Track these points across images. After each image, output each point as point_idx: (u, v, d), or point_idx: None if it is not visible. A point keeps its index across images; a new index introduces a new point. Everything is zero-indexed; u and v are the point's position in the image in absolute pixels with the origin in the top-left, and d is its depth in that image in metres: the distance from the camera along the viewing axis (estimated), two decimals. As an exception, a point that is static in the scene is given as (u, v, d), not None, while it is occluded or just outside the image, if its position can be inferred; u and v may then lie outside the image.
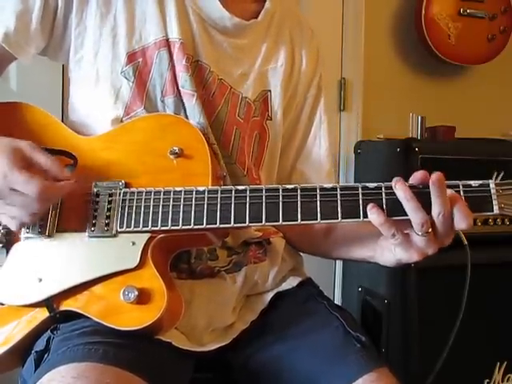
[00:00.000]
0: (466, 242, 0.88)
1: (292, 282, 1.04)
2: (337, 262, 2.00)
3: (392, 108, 2.09)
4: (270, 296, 1.00)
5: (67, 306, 0.83)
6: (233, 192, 0.82)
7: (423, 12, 2.03)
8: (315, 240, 1.05)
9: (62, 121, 1.00)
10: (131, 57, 0.94)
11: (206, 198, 0.82)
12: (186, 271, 0.93)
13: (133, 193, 0.85)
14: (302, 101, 1.09)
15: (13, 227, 0.82)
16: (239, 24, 0.99)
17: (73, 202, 0.85)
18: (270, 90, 1.03)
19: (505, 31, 2.10)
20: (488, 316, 1.64)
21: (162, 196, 0.83)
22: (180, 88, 0.94)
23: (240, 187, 0.82)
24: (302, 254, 1.14)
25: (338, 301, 1.96)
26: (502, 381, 1.70)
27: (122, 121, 0.93)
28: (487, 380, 1.69)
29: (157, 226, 0.82)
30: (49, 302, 0.83)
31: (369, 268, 1.76)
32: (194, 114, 0.94)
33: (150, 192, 0.84)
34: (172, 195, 0.83)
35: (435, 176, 0.77)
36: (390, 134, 1.82)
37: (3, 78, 1.58)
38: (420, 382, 1.20)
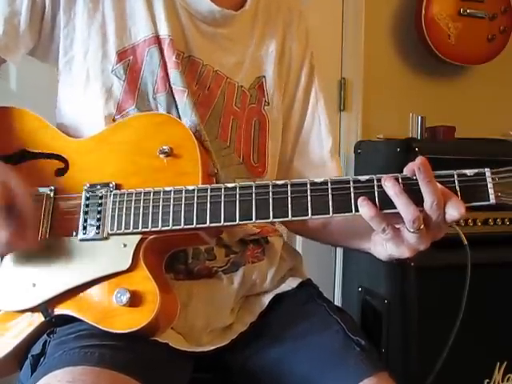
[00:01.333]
0: (466, 242, 0.88)
1: (291, 283, 1.03)
2: (337, 261, 2.01)
3: (392, 108, 2.09)
4: (268, 298, 1.00)
5: (62, 310, 0.83)
6: (222, 190, 0.81)
7: (423, 12, 2.03)
8: (314, 230, 1.05)
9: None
10: (121, 55, 0.93)
11: (195, 197, 0.81)
12: (184, 272, 0.93)
13: (123, 194, 0.84)
14: (295, 80, 1.08)
15: None
16: (228, 15, 0.99)
17: (64, 204, 0.85)
18: (264, 76, 1.03)
19: (505, 31, 2.10)
20: (488, 316, 1.64)
21: (151, 197, 0.82)
22: (172, 85, 0.93)
23: (230, 185, 0.81)
24: (301, 253, 1.14)
25: (338, 301, 1.97)
26: (502, 381, 1.70)
27: (114, 119, 0.92)
28: (487, 380, 1.69)
29: (147, 228, 0.81)
30: (43, 307, 0.83)
31: (369, 268, 1.77)
32: (186, 111, 0.93)
33: (140, 193, 0.83)
34: (162, 195, 0.82)
35: (418, 161, 0.74)
36: (389, 133, 1.82)
37: (3, 78, 1.58)
38: (420, 382, 1.20)
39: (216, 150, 0.96)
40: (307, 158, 1.08)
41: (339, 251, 2.00)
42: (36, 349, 0.83)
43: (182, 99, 0.93)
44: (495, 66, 2.14)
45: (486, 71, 2.19)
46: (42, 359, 0.81)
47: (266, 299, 1.00)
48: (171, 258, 0.89)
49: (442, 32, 2.05)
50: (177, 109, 0.94)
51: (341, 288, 1.99)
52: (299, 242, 1.90)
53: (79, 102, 0.95)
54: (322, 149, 1.08)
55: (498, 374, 1.69)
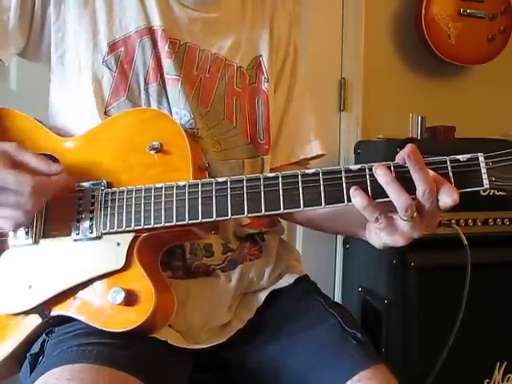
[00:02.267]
0: (465, 242, 0.87)
1: (288, 280, 1.04)
2: (337, 261, 2.01)
3: (392, 108, 2.09)
4: (265, 294, 1.00)
5: (58, 310, 0.83)
6: (213, 185, 0.80)
7: (423, 12, 2.03)
8: (308, 219, 1.04)
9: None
10: (113, 46, 0.93)
11: (186, 193, 0.80)
12: (181, 268, 0.93)
13: (114, 193, 0.84)
14: (282, 58, 1.09)
15: (9, 228, 0.80)
16: None
17: (57, 205, 0.85)
18: (261, 55, 1.04)
19: (505, 31, 2.10)
20: (488, 316, 1.64)
21: (143, 194, 0.82)
22: (165, 75, 0.94)
23: (220, 179, 0.81)
24: (301, 253, 1.14)
25: (337, 301, 1.96)
26: (502, 381, 1.70)
27: (105, 112, 0.93)
28: (487, 380, 1.69)
29: (140, 225, 0.81)
30: (40, 309, 0.83)
31: (369, 268, 1.77)
32: (178, 101, 0.93)
33: (132, 191, 0.83)
34: (153, 192, 0.82)
35: (408, 148, 0.73)
36: (389, 133, 1.82)
37: (3, 78, 1.58)
38: (420, 382, 1.20)
39: (223, 131, 0.97)
40: (294, 134, 1.09)
41: (339, 251, 1.99)
42: (35, 348, 0.84)
43: (176, 88, 0.93)
44: (495, 66, 2.13)
45: (486, 71, 2.18)
46: (40, 358, 0.81)
47: (263, 295, 1.00)
48: (168, 254, 0.89)
49: (442, 32, 2.05)
50: (167, 99, 0.94)
51: (341, 288, 1.99)
52: (299, 242, 1.90)
53: (72, 96, 0.95)
54: (309, 127, 1.10)
55: (498, 374, 1.69)
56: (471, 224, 1.64)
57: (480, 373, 1.69)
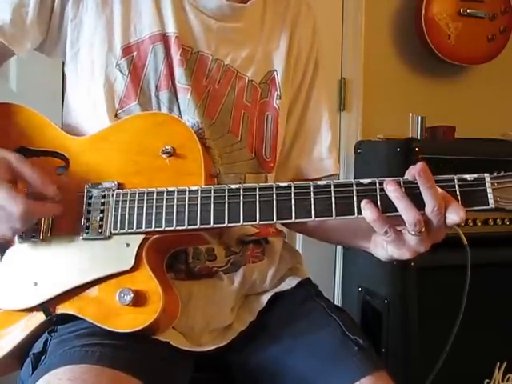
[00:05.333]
0: (465, 242, 0.87)
1: (291, 283, 1.03)
2: (337, 261, 2.01)
3: (392, 108, 2.09)
4: (267, 297, 1.00)
5: (63, 309, 0.83)
6: (226, 191, 0.81)
7: (423, 12, 2.03)
8: (312, 229, 1.05)
9: (62, 122, 1.00)
10: (126, 50, 0.93)
11: (199, 198, 0.81)
12: (184, 271, 0.93)
13: (126, 194, 0.84)
14: (301, 74, 1.08)
15: None
16: (237, 8, 0.99)
17: (66, 203, 0.84)
18: (275, 70, 1.03)
19: (505, 31, 2.10)
20: (488, 316, 1.64)
21: (155, 197, 0.82)
22: (176, 83, 0.93)
23: (233, 186, 0.81)
24: (301, 253, 1.14)
25: (337, 301, 1.97)
26: (502, 381, 1.70)
27: (116, 115, 0.92)
28: (487, 380, 1.69)
29: (151, 227, 0.81)
30: (45, 306, 0.83)
31: (369, 268, 1.77)
32: (188, 109, 0.93)
33: (143, 193, 0.83)
34: (165, 196, 0.82)
35: (419, 166, 0.75)
36: (390, 133, 1.82)
37: (3, 78, 1.58)
38: (420, 382, 1.20)
39: (226, 145, 0.96)
40: (306, 152, 1.08)
41: (339, 251, 2.00)
42: (37, 347, 0.83)
43: (186, 97, 0.93)
44: (495, 66, 2.14)
45: (486, 71, 2.19)
46: (42, 358, 0.81)
47: (265, 298, 1.00)
48: (171, 257, 0.89)
49: (441, 32, 2.05)
50: (179, 107, 0.94)
51: (341, 288, 1.99)
52: (299, 242, 1.90)
53: (84, 96, 0.95)
54: (321, 145, 1.09)
55: (498, 374, 1.70)
56: (471, 224, 1.65)
57: (480, 373, 1.69)
